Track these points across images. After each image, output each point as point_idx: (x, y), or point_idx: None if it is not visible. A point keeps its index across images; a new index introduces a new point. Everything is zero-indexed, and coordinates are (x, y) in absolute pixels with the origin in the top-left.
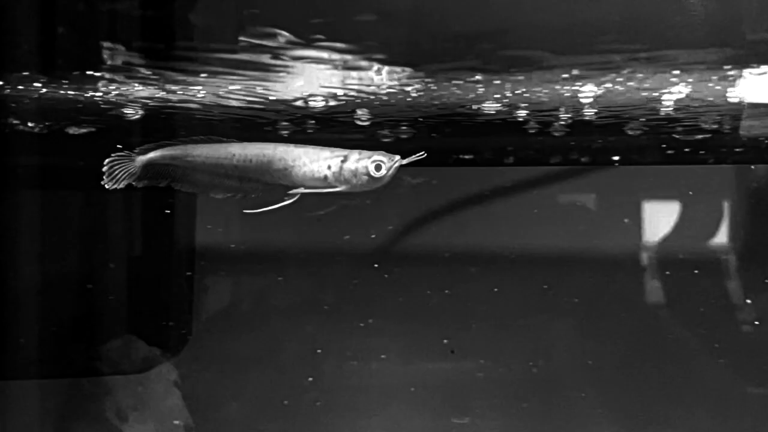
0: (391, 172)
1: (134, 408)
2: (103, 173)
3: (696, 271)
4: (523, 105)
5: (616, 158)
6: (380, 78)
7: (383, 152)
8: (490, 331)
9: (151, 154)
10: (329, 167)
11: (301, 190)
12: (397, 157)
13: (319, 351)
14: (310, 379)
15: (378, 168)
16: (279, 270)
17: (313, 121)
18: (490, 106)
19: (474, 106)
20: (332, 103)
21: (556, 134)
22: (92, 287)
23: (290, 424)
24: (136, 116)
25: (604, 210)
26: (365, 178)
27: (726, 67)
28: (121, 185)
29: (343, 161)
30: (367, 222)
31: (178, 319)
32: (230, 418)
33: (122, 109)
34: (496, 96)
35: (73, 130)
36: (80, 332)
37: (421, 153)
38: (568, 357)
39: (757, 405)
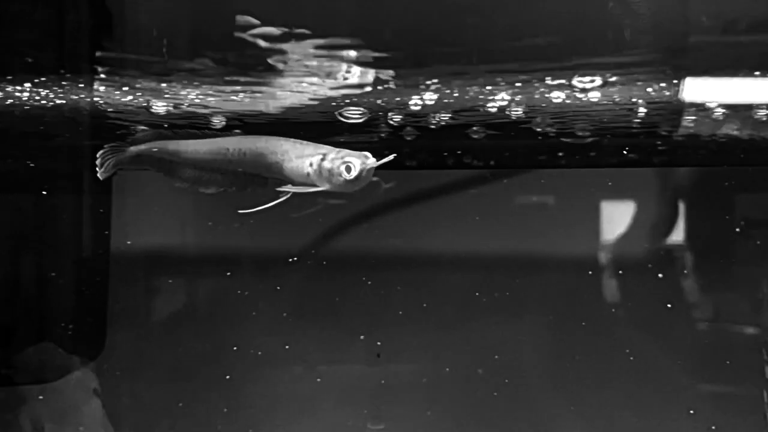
0: (365, 174)
1: (51, 418)
2: (96, 164)
3: (621, 272)
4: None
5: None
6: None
7: (363, 153)
8: (419, 335)
9: (143, 146)
10: (311, 164)
11: (290, 188)
12: (372, 160)
13: (235, 348)
14: (228, 376)
15: (348, 170)
16: (196, 273)
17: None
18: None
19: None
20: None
21: (408, 138)
22: (6, 294)
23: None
24: None
25: (543, 211)
26: (340, 178)
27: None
28: (109, 173)
29: (322, 159)
30: (298, 223)
31: (94, 325)
32: (155, 426)
33: None
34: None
35: None
36: None
37: (391, 155)
38: (501, 360)
39: (709, 401)
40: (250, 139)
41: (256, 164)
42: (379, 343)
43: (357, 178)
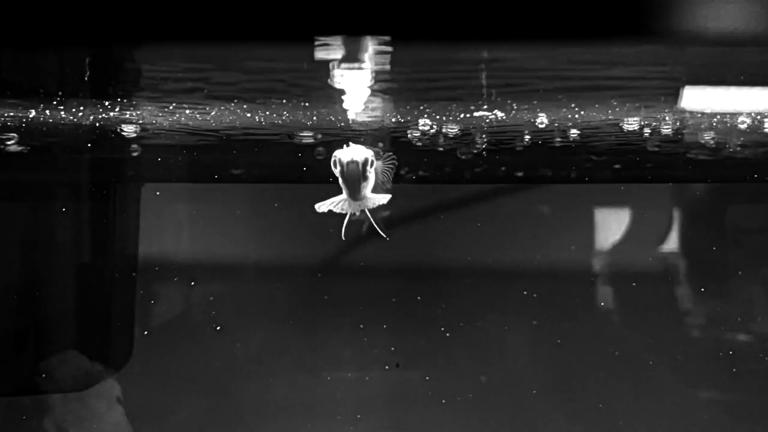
0: (348, 170)
1: (75, 426)
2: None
3: (638, 280)
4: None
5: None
6: None
7: (362, 150)
8: (438, 343)
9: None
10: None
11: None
12: (359, 157)
13: (263, 357)
14: (255, 386)
15: (335, 164)
16: (225, 282)
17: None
18: None
19: None
20: None
21: None
22: (31, 301)
23: None
24: None
25: (550, 221)
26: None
27: None
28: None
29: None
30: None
31: (121, 333)
32: None
33: None
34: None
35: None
36: (19, 348)
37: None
38: (515, 368)
39: (705, 408)
40: None
41: None
42: (392, 351)
43: (342, 173)
